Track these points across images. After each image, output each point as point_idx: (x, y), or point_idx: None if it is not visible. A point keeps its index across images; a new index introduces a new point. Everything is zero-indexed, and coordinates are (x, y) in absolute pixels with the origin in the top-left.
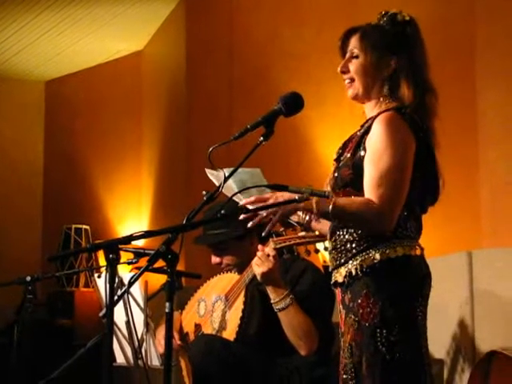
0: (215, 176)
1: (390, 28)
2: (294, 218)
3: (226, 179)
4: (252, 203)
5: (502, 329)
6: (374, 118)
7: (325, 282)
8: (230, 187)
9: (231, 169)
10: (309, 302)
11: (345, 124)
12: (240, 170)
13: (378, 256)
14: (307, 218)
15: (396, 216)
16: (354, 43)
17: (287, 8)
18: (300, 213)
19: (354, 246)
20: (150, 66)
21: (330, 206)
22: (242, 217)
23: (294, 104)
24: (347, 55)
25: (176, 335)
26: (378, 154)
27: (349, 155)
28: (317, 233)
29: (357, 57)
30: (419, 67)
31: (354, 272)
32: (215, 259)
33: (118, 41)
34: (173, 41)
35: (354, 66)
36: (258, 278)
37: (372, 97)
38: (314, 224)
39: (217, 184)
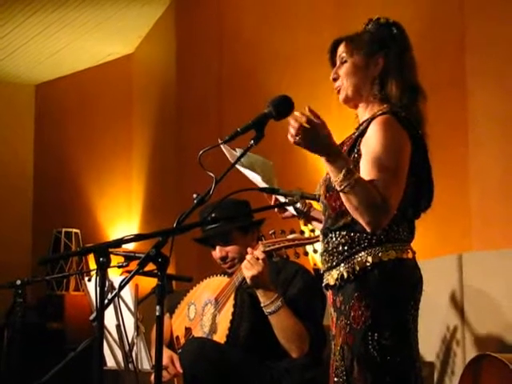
0: (230, 153)
1: (376, 30)
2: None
3: (235, 161)
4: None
5: (492, 331)
6: (369, 121)
7: (316, 285)
8: (242, 165)
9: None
10: (300, 305)
11: (334, 126)
12: (255, 155)
13: (370, 259)
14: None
15: (391, 217)
16: (341, 50)
17: (277, 10)
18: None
19: (346, 248)
20: (140, 69)
21: (358, 174)
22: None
23: (283, 107)
24: (337, 63)
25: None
26: (376, 154)
27: None
28: (306, 235)
29: (346, 61)
30: (407, 67)
31: (345, 275)
32: (221, 252)
33: (109, 44)
34: (163, 44)
35: (343, 69)
36: (248, 281)
37: (363, 97)
38: (312, 214)
39: (230, 159)
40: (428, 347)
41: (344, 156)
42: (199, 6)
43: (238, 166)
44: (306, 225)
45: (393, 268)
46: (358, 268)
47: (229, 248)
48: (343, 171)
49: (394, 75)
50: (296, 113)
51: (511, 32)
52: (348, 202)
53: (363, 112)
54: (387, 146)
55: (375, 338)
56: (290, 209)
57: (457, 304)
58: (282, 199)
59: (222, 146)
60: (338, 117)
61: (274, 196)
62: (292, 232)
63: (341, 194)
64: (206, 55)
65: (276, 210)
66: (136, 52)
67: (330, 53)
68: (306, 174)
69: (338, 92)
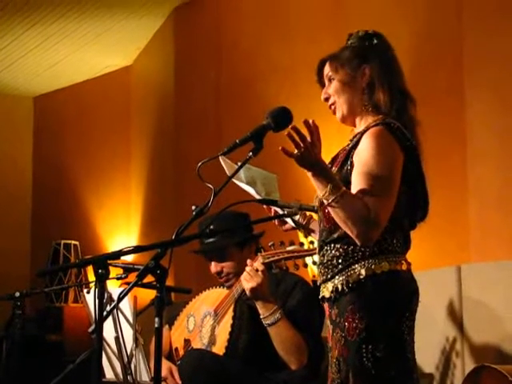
0: (228, 165)
1: (357, 43)
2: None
3: (231, 177)
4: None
5: (491, 343)
6: (362, 133)
7: (315, 297)
8: (240, 178)
9: (246, 165)
10: (299, 317)
11: (332, 139)
12: (257, 169)
13: (363, 271)
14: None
15: (382, 228)
16: (327, 69)
17: (275, 21)
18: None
19: (340, 261)
20: (138, 80)
21: (344, 188)
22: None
23: (282, 119)
24: (326, 84)
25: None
26: (367, 166)
27: (336, 169)
28: (305, 246)
29: (333, 79)
30: (393, 73)
31: (340, 287)
32: (216, 268)
33: (107, 56)
34: (161, 56)
35: (332, 87)
36: (247, 293)
37: (358, 112)
38: (311, 226)
39: (227, 173)
40: (427, 359)
41: (330, 171)
42: (198, 18)
43: (235, 181)
44: (306, 237)
45: (386, 280)
46: (351, 281)
47: (224, 264)
48: (329, 186)
49: (381, 82)
50: (291, 131)
51: (509, 44)
52: (336, 216)
53: (358, 124)
54: (378, 159)
55: (369, 350)
56: (289, 221)
57: (456, 315)
58: (281, 211)
59: (220, 159)
60: (336, 128)
61: (273, 208)
62: (291, 244)
63: (329, 209)
64: (204, 67)
65: (276, 223)
66: (134, 64)
67: (317, 75)
68: (304, 186)
69: (334, 112)
